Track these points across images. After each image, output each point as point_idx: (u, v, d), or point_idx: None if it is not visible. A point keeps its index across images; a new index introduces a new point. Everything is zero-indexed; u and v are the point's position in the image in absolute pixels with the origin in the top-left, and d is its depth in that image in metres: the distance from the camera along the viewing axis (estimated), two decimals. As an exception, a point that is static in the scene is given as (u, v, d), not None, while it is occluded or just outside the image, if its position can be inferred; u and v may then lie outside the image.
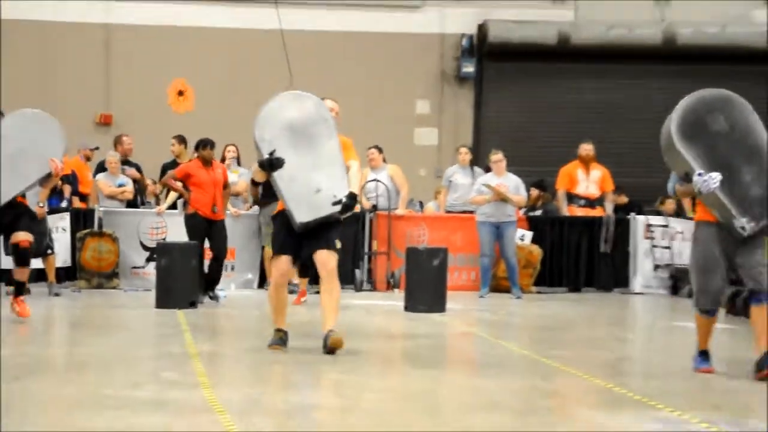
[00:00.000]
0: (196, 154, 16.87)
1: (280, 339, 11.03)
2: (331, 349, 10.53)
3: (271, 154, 10.34)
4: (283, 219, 10.77)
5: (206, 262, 17.18)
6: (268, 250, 18.11)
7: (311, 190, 10.40)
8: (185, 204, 17.00)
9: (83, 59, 22.47)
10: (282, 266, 10.80)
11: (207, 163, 16.60)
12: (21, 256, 12.44)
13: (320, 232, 10.62)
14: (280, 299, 10.97)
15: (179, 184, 17.06)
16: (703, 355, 10.27)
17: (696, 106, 9.88)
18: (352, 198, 10.54)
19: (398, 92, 22.70)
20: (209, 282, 16.65)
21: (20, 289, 12.57)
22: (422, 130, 22.74)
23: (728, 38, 23.51)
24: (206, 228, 16.57)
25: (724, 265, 9.93)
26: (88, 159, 19.99)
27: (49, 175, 12.40)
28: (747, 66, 23.43)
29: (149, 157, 20.25)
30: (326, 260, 10.58)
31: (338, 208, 10.41)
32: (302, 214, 10.35)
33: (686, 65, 23.08)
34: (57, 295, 17.15)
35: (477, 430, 7.66)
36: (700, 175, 9.27)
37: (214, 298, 16.53)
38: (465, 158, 20.44)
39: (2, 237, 13.00)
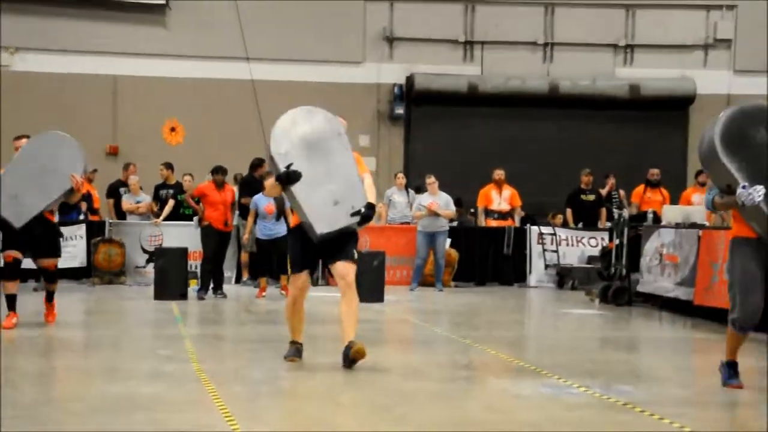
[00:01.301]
0: (211, 178, 16.66)
1: (296, 350, 9.16)
2: (352, 360, 8.59)
3: (288, 167, 8.53)
4: (299, 233, 8.94)
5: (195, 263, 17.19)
6: (245, 254, 18.04)
7: (329, 202, 8.60)
8: (200, 219, 16.79)
9: (96, 102, 22.34)
10: (299, 282, 8.97)
11: (219, 185, 16.39)
12: (50, 276, 11.60)
13: (338, 243, 8.80)
14: (297, 313, 9.12)
15: (194, 202, 17.04)
16: (732, 367, 8.41)
17: (738, 118, 8.25)
18: (371, 208, 8.77)
19: (349, 127, 22.51)
20: (216, 283, 16.42)
21: (51, 297, 11.69)
22: (364, 158, 22.56)
23: (598, 89, 23.57)
24: (218, 238, 16.37)
25: (762, 283, 8.23)
26: (90, 180, 19.85)
27: (71, 190, 11.00)
28: (612, 111, 23.58)
29: (147, 180, 20.07)
30: (346, 272, 8.75)
31: (357, 219, 8.65)
32: (321, 226, 8.53)
33: (566, 110, 23.22)
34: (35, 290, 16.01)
35: (410, 394, 7.59)
36: (744, 187, 7.71)
37: (222, 295, 16.23)
38: (401, 182, 20.46)
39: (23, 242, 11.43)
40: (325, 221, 8.55)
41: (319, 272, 19.15)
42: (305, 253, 8.91)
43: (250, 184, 17.91)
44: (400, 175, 20.90)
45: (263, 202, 16.24)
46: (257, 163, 18.02)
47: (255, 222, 16.55)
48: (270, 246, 16.55)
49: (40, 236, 10.97)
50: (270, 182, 9.11)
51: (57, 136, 11.43)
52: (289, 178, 8.52)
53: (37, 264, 11.55)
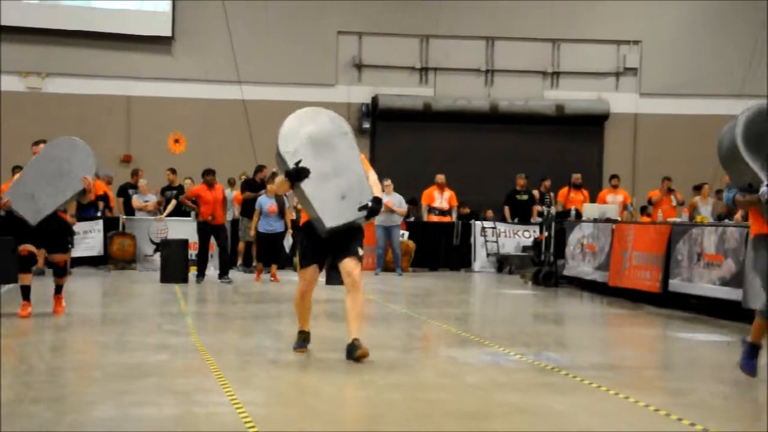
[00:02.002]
0: (203, 180, 16.46)
1: (303, 341, 8.13)
2: (356, 358, 7.59)
3: (297, 164, 7.51)
4: (308, 230, 7.87)
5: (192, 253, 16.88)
6: (241, 244, 17.95)
7: (337, 197, 7.56)
8: (197, 214, 16.62)
9: (112, 118, 22.29)
10: (308, 276, 7.89)
11: (210, 185, 16.21)
12: (59, 270, 10.56)
13: (344, 240, 7.76)
14: (305, 305, 8.05)
15: (191, 202, 16.78)
16: (754, 350, 7.20)
17: (757, 118, 7.26)
18: (378, 202, 7.73)
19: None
20: (222, 270, 16.14)
21: (59, 290, 10.65)
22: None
23: (530, 108, 23.63)
24: (210, 230, 16.18)
25: None
26: (109, 183, 19.89)
27: (84, 191, 10.08)
28: (542, 126, 23.64)
29: (156, 182, 20.08)
30: (352, 269, 7.69)
31: (364, 213, 7.63)
32: (330, 220, 7.51)
33: (504, 125, 23.26)
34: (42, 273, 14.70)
35: (373, 362, 7.56)
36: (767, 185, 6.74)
37: (227, 281, 15.89)
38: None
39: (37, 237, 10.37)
40: (333, 215, 7.53)
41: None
42: (314, 248, 7.84)
43: (251, 184, 18.06)
44: (365, 179, 20.78)
45: (267, 202, 16.33)
46: (258, 169, 18.11)
47: (259, 219, 16.42)
48: (269, 239, 16.50)
49: (53, 233, 10.13)
50: (279, 179, 7.94)
51: (71, 142, 10.43)
52: (298, 174, 7.52)
53: (48, 258, 10.74)
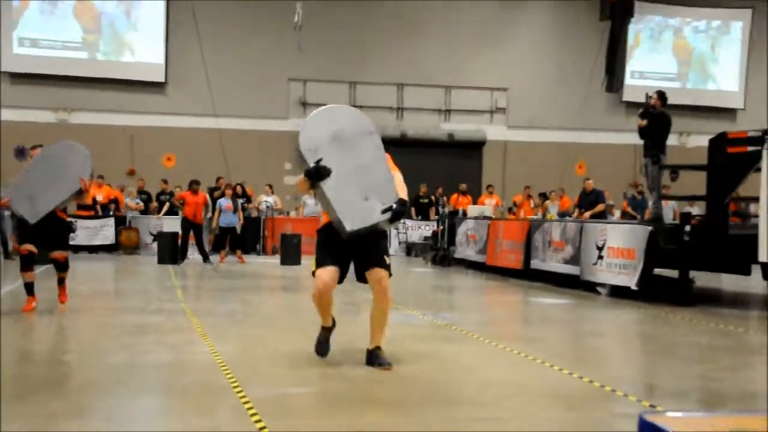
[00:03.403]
0: (188, 188, 16.36)
1: (325, 340, 6.04)
2: (379, 364, 5.50)
3: (318, 162, 5.32)
4: (328, 231, 5.56)
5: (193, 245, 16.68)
6: (211, 236, 17.78)
7: (360, 198, 5.32)
8: (181, 213, 16.50)
9: (120, 142, 21.81)
10: (326, 277, 5.51)
11: (194, 192, 16.07)
12: (60, 266, 8.54)
13: (369, 246, 5.49)
14: (322, 305, 5.82)
15: (179, 204, 16.65)
16: None
17: None
18: (403, 204, 5.39)
19: (278, 158, 22.30)
20: (204, 257, 16.09)
21: (62, 282, 8.75)
22: (288, 176, 22.32)
23: (429, 135, 23.61)
24: (190, 226, 16.04)
25: None
26: (121, 190, 19.72)
27: (80, 191, 8.19)
28: (438, 149, 23.64)
29: (152, 189, 19.76)
30: (380, 277, 5.56)
31: (388, 215, 5.34)
32: (351, 222, 5.31)
33: (411, 148, 22.84)
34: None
35: (316, 321, 7.53)
36: None
37: (209, 263, 15.83)
38: (312, 191, 20.01)
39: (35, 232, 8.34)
40: (354, 217, 5.29)
41: (261, 247, 19.13)
42: (335, 250, 5.48)
43: (212, 190, 18.27)
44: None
45: (224, 202, 16.62)
46: (216, 180, 18.35)
47: (219, 215, 16.61)
48: (227, 230, 16.62)
49: (52, 232, 8.26)
50: (299, 178, 5.55)
51: (67, 145, 8.39)
52: (319, 173, 5.25)
53: (49, 256, 8.63)
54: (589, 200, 15.17)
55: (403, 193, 5.39)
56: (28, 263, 8.26)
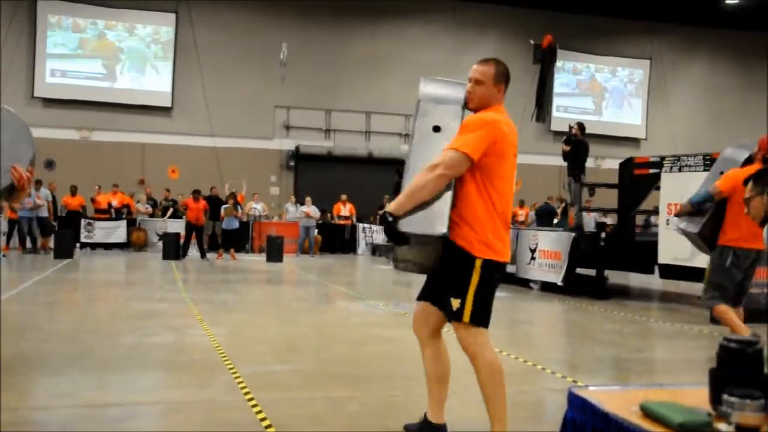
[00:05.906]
0: (191, 195, 16.01)
1: None
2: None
3: (436, 128, 3.03)
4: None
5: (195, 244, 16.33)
6: (206, 237, 17.44)
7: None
8: (185, 217, 16.21)
9: (133, 157, 21.48)
10: (415, 310, 3.20)
11: (196, 200, 15.78)
12: None
13: (441, 284, 3.08)
14: (426, 363, 3.26)
15: (183, 209, 16.50)
16: None
17: None
18: (384, 218, 2.89)
19: (265, 171, 22.21)
20: (202, 254, 15.83)
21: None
22: (273, 187, 22.26)
23: (392, 154, 23.18)
24: (193, 228, 15.80)
25: None
26: (132, 196, 19.35)
27: (11, 187, 3.67)
28: (401, 166, 23.46)
29: (158, 197, 19.46)
30: (459, 339, 3.20)
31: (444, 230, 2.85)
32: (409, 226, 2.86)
33: (377, 165, 22.94)
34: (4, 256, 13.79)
35: (295, 309, 7.50)
36: None
37: (206, 259, 15.56)
38: (293, 199, 19.99)
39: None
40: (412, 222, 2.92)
41: (250, 247, 19.06)
42: (426, 279, 3.20)
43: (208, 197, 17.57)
44: (292, 196, 20.57)
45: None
46: (211, 189, 17.35)
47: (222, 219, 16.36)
48: (229, 232, 16.37)
49: None
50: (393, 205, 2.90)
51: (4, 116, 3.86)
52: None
53: None
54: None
55: (395, 204, 2.95)
56: None
